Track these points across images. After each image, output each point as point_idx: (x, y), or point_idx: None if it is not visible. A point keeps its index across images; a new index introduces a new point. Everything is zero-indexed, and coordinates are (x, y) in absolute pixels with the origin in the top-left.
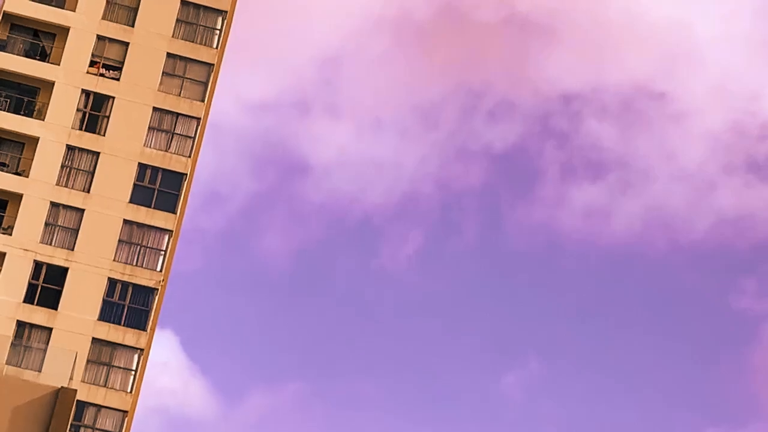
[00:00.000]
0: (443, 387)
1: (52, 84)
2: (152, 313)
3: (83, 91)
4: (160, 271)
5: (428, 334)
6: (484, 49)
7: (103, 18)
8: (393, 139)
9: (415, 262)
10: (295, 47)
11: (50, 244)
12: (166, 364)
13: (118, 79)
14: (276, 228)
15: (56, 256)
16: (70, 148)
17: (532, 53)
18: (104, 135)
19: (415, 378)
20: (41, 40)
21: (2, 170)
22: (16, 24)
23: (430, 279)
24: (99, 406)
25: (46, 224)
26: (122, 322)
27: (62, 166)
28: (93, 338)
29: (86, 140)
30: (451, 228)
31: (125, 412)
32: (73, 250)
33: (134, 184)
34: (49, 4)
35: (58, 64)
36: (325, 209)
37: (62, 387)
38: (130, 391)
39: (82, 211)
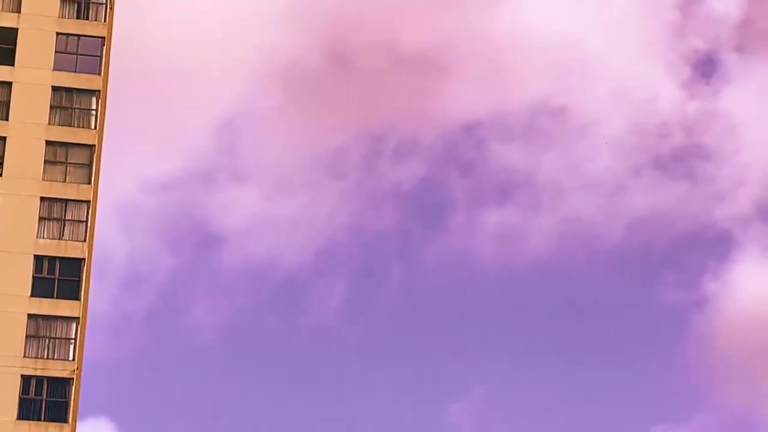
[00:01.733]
0: (392, 427)
1: None
2: (71, 404)
3: None
4: (73, 360)
5: (368, 380)
6: (379, 93)
7: None
8: (301, 193)
9: (343, 312)
10: (189, 118)
11: None
12: None
13: (0, 175)
14: (200, 302)
15: None
16: None
17: (428, 90)
18: None
19: (362, 424)
20: None
21: None
22: None
23: (360, 326)
24: None
25: None
26: (42, 418)
27: None
28: None
29: None
30: (372, 273)
31: None
32: None
33: (33, 277)
34: None
35: None
36: (245, 276)
37: None
38: None
39: None
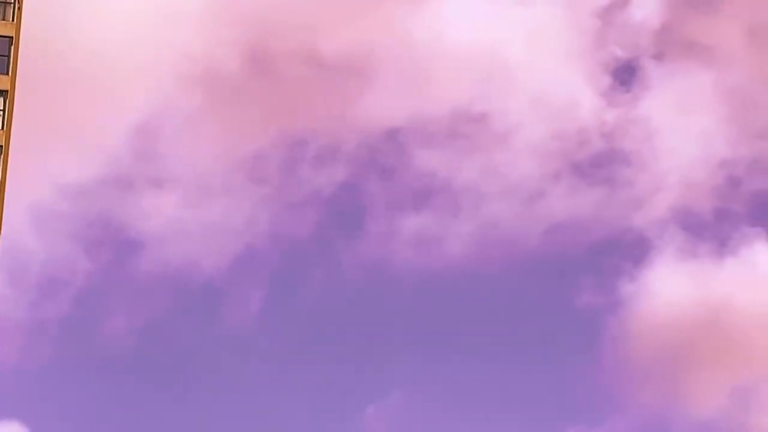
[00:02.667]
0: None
1: None
2: None
3: None
4: None
5: (285, 384)
6: (299, 97)
7: None
8: (221, 199)
9: (261, 318)
10: (106, 121)
11: None
12: None
13: None
14: (117, 308)
15: None
16: None
17: (349, 95)
18: None
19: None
20: None
21: None
22: None
23: (278, 332)
24: None
25: None
26: None
27: None
28: None
29: None
30: (291, 278)
31: None
32: None
33: None
34: None
35: None
36: (163, 281)
37: None
38: None
39: None
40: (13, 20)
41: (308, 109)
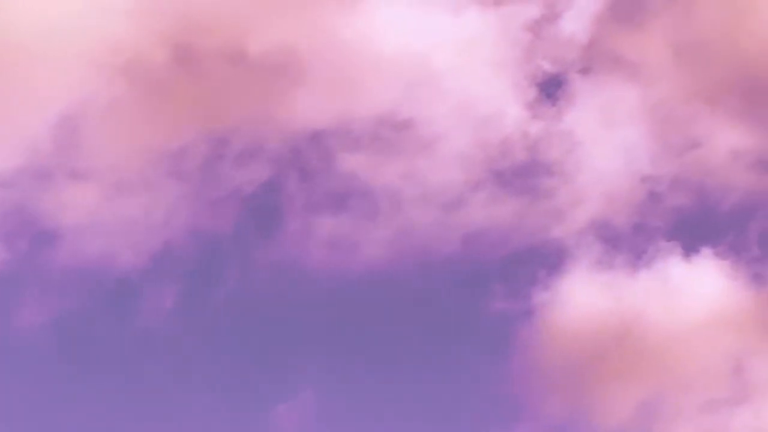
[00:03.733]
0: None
1: None
2: None
3: None
4: None
5: (197, 381)
6: (224, 95)
7: None
8: (140, 193)
9: (176, 314)
10: (26, 112)
11: None
12: None
13: None
14: (31, 301)
15: None
16: None
17: (275, 94)
18: None
19: (189, 425)
20: None
21: None
22: None
23: (192, 329)
24: None
25: None
26: None
27: None
28: None
29: None
30: (207, 276)
31: None
32: None
33: None
34: None
35: None
36: (79, 275)
37: None
38: None
39: None
40: None
41: (232, 107)
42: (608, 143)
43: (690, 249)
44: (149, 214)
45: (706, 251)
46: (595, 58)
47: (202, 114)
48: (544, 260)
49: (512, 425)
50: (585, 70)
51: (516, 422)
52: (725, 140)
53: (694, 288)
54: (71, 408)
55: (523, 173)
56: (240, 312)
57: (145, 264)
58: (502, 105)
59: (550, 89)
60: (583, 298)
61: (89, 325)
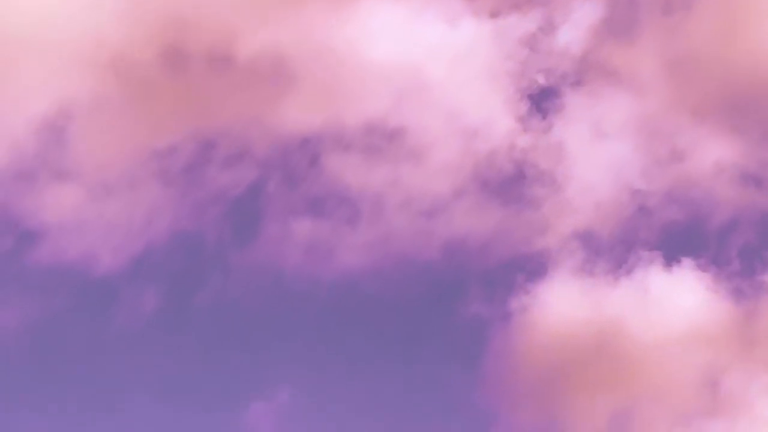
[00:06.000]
0: (195, 426)
1: None
2: None
3: None
4: None
5: (175, 383)
6: (213, 97)
7: None
8: (123, 194)
9: (156, 317)
10: (10, 109)
11: None
12: None
13: None
14: (11, 300)
15: None
16: None
17: (265, 98)
18: None
19: (164, 425)
20: None
21: None
22: None
23: (172, 331)
24: None
25: None
26: None
27: None
28: None
29: None
30: (187, 280)
31: None
32: None
33: None
34: None
35: None
36: (60, 276)
37: None
38: None
39: None
40: None
41: (220, 110)
42: (597, 155)
43: (672, 259)
44: (132, 216)
45: (688, 262)
46: (589, 72)
47: (188, 115)
48: (525, 267)
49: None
50: (578, 83)
51: (488, 430)
52: (711, 153)
53: (674, 299)
54: (48, 409)
55: (509, 184)
56: (219, 314)
57: (127, 265)
58: (493, 116)
59: (542, 102)
60: (562, 305)
61: (69, 326)
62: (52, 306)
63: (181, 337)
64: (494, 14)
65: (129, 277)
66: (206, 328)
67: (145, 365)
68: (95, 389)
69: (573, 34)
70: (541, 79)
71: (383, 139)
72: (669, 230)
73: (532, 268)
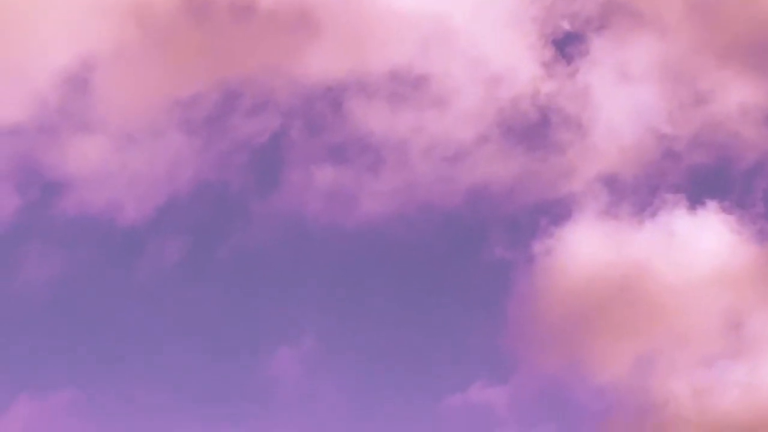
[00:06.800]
0: (222, 379)
1: None
2: None
3: None
4: None
5: (199, 334)
6: (236, 47)
7: None
8: (147, 144)
9: (181, 269)
10: (31, 63)
11: None
12: None
13: None
14: (38, 251)
15: None
16: None
17: (289, 46)
18: None
19: (190, 377)
20: None
21: None
22: None
23: (198, 281)
24: None
25: None
26: None
27: None
28: None
29: None
30: (212, 230)
31: None
32: None
33: None
34: None
35: None
36: (85, 227)
37: None
38: None
39: None
40: None
41: (244, 59)
42: (622, 99)
43: (696, 202)
44: (155, 166)
45: (712, 205)
46: (613, 15)
47: (211, 65)
48: (549, 211)
49: (509, 376)
50: (602, 28)
51: (513, 373)
52: (736, 95)
53: (698, 242)
54: (74, 358)
55: (533, 129)
56: (243, 263)
57: (151, 216)
58: (517, 63)
59: (567, 47)
60: (586, 248)
61: (95, 277)
62: (78, 257)
63: (206, 286)
64: None
65: (153, 227)
66: (231, 276)
67: (171, 314)
68: (122, 338)
69: None
70: (566, 24)
71: (407, 87)
72: (694, 173)
73: (556, 212)
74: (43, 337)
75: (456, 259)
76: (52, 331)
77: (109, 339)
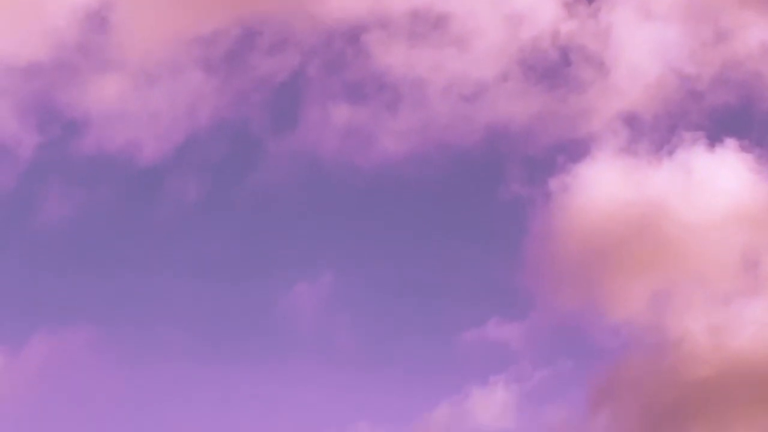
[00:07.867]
0: (239, 314)
1: None
2: None
3: None
4: None
5: (217, 271)
6: None
7: None
8: (166, 83)
9: (200, 206)
10: (49, 2)
11: None
12: None
13: None
14: (58, 189)
15: None
16: None
17: None
18: None
19: (208, 313)
20: None
21: None
22: None
23: (216, 219)
24: None
25: None
26: None
27: None
28: None
29: None
30: (231, 169)
31: None
32: None
33: None
34: None
35: None
36: (104, 165)
37: None
38: None
39: None
40: None
41: None
42: (643, 38)
43: (715, 140)
44: (175, 104)
45: (731, 143)
46: None
47: (231, 2)
48: (567, 150)
49: (526, 313)
50: None
51: (530, 310)
52: (758, 34)
53: (716, 180)
54: (92, 295)
55: (553, 69)
56: (261, 201)
57: (170, 155)
58: (538, 2)
59: None
60: (604, 186)
61: (115, 215)
62: (97, 195)
63: (224, 224)
64: None
65: (172, 166)
66: (249, 214)
67: (190, 251)
68: (140, 275)
69: None
70: None
71: (428, 26)
72: (714, 111)
73: (575, 150)
74: (62, 274)
75: (473, 197)
76: (71, 268)
77: (127, 276)
